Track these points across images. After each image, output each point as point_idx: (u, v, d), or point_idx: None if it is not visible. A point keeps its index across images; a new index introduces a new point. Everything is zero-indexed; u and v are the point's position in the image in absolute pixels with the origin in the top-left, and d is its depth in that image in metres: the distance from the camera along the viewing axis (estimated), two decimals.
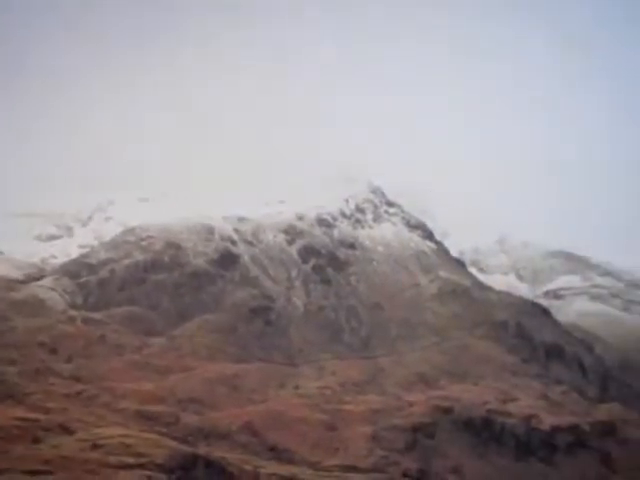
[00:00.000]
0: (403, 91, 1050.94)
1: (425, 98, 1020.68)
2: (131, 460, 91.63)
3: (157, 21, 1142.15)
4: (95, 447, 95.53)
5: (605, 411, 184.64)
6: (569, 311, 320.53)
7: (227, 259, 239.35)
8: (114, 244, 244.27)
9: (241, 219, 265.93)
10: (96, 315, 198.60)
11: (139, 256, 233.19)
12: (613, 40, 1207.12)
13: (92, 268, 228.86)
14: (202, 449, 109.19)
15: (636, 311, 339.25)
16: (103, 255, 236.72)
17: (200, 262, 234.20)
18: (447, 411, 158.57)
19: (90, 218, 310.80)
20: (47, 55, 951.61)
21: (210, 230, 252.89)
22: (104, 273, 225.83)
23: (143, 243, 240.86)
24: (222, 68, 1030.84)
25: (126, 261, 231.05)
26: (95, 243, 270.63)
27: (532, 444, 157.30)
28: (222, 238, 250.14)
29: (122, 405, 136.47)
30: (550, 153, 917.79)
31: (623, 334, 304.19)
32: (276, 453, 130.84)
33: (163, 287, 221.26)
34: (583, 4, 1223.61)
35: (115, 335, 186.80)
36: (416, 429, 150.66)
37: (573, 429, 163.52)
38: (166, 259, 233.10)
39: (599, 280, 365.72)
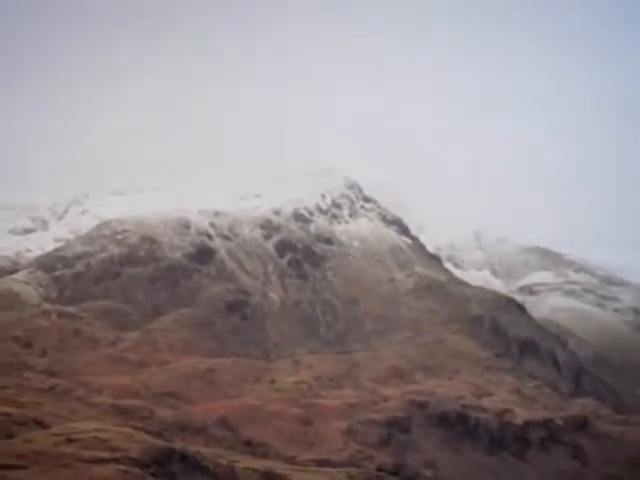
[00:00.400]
0: (381, 87, 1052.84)
1: (404, 95, 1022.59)
2: (106, 454, 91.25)
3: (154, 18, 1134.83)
4: (69, 441, 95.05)
5: (578, 406, 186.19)
6: (543, 306, 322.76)
7: (203, 253, 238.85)
8: (89, 238, 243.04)
9: (217, 213, 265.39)
10: (71, 309, 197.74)
11: (114, 250, 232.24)
12: (601, 39, 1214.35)
13: (67, 262, 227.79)
14: (177, 443, 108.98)
15: (609, 307, 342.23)
16: (78, 249, 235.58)
17: (176, 256, 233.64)
18: (422, 405, 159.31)
19: (66, 211, 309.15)
20: (29, 49, 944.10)
21: (186, 224, 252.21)
22: (79, 267, 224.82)
23: (119, 237, 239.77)
24: (201, 65, 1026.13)
25: (101, 255, 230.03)
26: (70, 237, 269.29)
27: (506, 439, 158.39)
28: (198, 232, 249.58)
29: (97, 399, 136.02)
30: (528, 151, 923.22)
31: (596, 330, 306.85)
32: (251, 447, 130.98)
33: (138, 281, 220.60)
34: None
35: (90, 329, 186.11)
36: (391, 423, 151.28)
37: (546, 424, 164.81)
38: (142, 253, 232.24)
39: (573, 276, 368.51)
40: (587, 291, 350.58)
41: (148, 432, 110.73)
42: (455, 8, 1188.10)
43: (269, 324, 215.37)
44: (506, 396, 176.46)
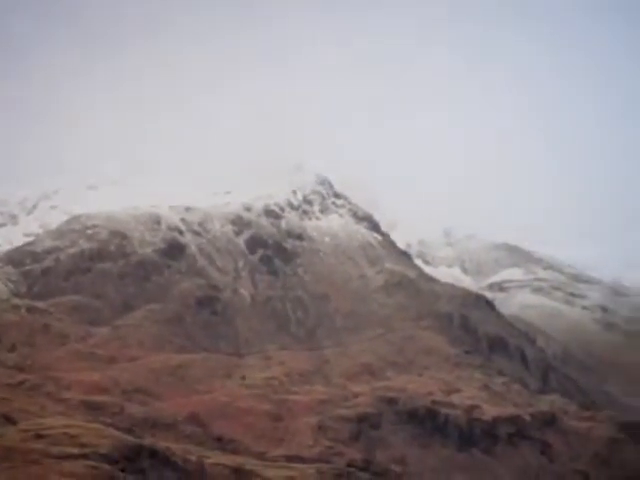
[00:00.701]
0: (355, 83, 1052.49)
1: (375, 91, 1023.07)
2: (75, 450, 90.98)
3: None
4: (38, 437, 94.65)
5: (546, 402, 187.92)
6: (512, 303, 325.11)
7: (174, 249, 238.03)
8: (59, 232, 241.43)
9: (188, 209, 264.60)
10: (40, 304, 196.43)
11: (84, 245, 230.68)
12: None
13: (37, 256, 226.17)
14: (147, 439, 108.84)
15: (578, 304, 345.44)
16: (48, 243, 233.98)
17: (146, 251, 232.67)
18: (392, 402, 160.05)
19: (35, 206, 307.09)
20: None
21: (157, 219, 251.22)
22: (49, 262, 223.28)
23: (89, 232, 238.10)
24: (175, 63, 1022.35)
25: (71, 250, 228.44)
26: (40, 231, 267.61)
27: (474, 435, 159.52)
28: (169, 228, 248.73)
29: (66, 395, 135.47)
30: (498, 148, 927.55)
31: (565, 327, 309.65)
32: (222, 443, 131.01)
33: (108, 276, 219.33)
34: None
35: (59, 324, 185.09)
36: (361, 420, 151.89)
37: (514, 420, 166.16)
38: (112, 248, 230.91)
39: (542, 273, 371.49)
40: (556, 288, 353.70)
41: (118, 428, 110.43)
42: (454, 8, 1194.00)
43: (239, 320, 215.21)
44: (475, 392, 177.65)
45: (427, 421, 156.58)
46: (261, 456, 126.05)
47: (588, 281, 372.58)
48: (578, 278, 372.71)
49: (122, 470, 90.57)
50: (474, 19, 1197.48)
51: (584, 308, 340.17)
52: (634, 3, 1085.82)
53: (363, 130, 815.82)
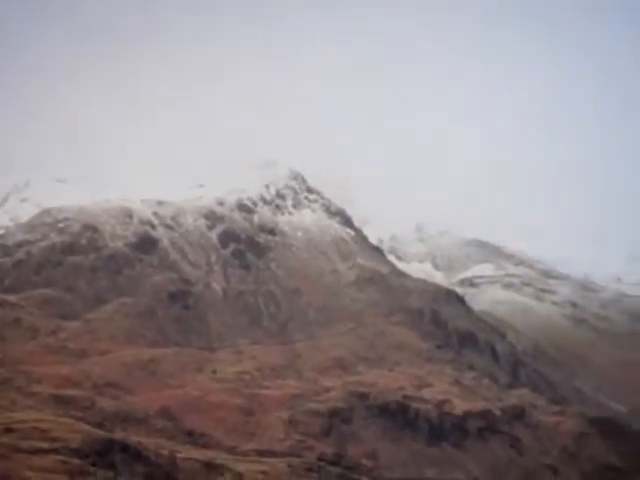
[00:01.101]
0: (329, 78, 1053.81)
1: (349, 86, 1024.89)
2: (45, 445, 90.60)
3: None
4: (8, 431, 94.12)
5: (515, 397, 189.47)
6: (483, 299, 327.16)
7: (146, 243, 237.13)
8: (30, 226, 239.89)
9: (161, 203, 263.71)
10: (11, 297, 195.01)
11: (56, 238, 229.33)
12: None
13: (7, 250, 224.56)
14: (118, 434, 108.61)
15: (548, 300, 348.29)
16: (19, 237, 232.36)
17: (118, 245, 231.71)
18: (363, 396, 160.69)
19: (5, 199, 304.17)
20: None
21: (129, 213, 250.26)
22: (20, 255, 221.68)
23: (60, 225, 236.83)
24: (152, 56, 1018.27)
25: (42, 243, 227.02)
26: (11, 224, 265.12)
27: (445, 429, 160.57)
28: (141, 221, 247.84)
29: (37, 389, 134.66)
30: (469, 145, 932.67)
31: (535, 322, 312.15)
32: (193, 438, 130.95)
33: (80, 270, 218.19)
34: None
35: (30, 318, 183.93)
36: (332, 414, 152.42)
37: (484, 414, 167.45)
38: (83, 242, 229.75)
39: (513, 269, 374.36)
40: (526, 284, 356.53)
41: (88, 422, 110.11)
42: (455, 8, 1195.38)
43: (211, 314, 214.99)
44: (446, 387, 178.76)
45: (398, 415, 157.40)
46: (232, 450, 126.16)
47: (558, 277, 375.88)
48: (548, 274, 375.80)
49: (93, 465, 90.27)
50: (474, 19, 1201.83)
51: (554, 304, 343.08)
52: (635, 3, 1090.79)
53: (339, 127, 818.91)
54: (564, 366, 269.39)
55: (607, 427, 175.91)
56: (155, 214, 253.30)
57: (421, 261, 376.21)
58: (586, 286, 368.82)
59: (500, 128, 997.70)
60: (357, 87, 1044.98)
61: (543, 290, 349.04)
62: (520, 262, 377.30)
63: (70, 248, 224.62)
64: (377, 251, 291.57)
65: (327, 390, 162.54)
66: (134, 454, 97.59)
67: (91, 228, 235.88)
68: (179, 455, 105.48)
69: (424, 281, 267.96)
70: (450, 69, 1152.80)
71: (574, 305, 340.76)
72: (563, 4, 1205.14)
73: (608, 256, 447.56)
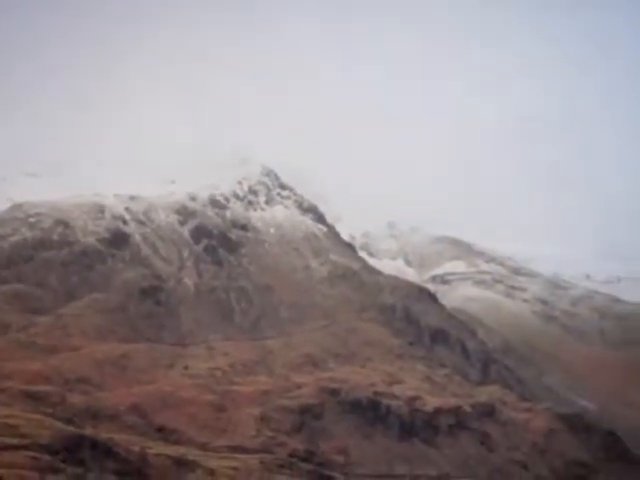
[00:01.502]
0: (301, 73, 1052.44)
1: (321, 81, 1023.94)
2: (14, 441, 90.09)
3: None
4: None
5: (486, 393, 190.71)
6: (454, 296, 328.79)
7: (118, 238, 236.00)
8: (1, 220, 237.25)
9: (133, 198, 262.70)
10: None
11: (27, 233, 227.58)
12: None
13: None
14: (88, 430, 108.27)
15: (518, 297, 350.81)
16: None
17: (90, 240, 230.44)
18: (334, 393, 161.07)
19: None
20: None
21: (101, 208, 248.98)
22: None
23: (32, 220, 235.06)
24: (124, 49, 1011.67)
25: (13, 238, 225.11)
26: None
27: (416, 425, 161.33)
28: (113, 217, 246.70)
29: (6, 384, 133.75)
30: (439, 142, 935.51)
31: (505, 319, 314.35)
32: (164, 434, 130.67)
33: (51, 265, 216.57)
34: None
35: (1, 313, 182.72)
36: (304, 410, 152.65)
37: (455, 411, 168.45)
38: (55, 237, 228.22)
39: (484, 266, 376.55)
40: (497, 281, 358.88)
41: (59, 418, 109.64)
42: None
43: (183, 310, 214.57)
44: (417, 384, 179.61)
45: (369, 412, 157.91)
46: (204, 446, 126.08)
47: (528, 274, 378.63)
48: (519, 271, 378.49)
49: (63, 461, 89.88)
50: (457, 9, 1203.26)
51: (524, 301, 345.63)
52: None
53: (312, 123, 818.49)
54: (534, 363, 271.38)
55: (576, 423, 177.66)
56: (127, 209, 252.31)
57: (393, 258, 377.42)
58: (556, 284, 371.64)
59: (466, 127, 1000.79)
60: (331, 83, 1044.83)
61: (514, 287, 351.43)
62: (491, 259, 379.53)
63: (41, 243, 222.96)
64: (349, 248, 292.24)
65: (299, 386, 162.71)
66: (104, 450, 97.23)
67: (63, 223, 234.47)
68: (150, 451, 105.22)
69: (396, 278, 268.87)
70: (429, 65, 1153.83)
71: (544, 302, 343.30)
72: None
73: (578, 254, 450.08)
